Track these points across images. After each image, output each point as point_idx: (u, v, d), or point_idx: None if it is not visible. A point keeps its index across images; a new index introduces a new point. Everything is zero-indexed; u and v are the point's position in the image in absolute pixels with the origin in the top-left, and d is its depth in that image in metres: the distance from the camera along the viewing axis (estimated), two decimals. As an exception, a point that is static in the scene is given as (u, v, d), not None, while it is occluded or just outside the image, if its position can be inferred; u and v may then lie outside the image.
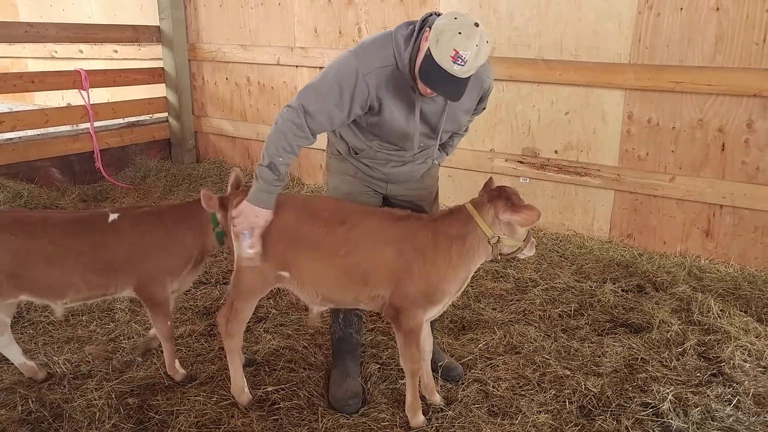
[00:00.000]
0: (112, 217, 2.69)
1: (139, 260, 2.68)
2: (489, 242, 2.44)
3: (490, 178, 2.63)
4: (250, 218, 2.39)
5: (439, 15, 2.30)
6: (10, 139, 5.57)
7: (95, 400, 2.69)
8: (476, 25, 2.15)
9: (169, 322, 2.79)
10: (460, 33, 2.12)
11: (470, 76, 2.23)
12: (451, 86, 2.23)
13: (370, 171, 2.72)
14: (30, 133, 5.79)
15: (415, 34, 2.32)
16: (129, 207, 3.90)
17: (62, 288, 2.62)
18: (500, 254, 2.51)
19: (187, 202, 2.94)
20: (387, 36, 2.39)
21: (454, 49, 2.13)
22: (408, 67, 2.33)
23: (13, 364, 2.92)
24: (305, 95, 2.38)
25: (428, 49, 2.19)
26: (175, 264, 2.74)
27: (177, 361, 2.90)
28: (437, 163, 2.84)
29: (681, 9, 4.10)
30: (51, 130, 5.91)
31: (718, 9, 3.99)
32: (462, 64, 2.15)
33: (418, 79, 2.28)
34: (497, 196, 2.46)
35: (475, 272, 2.66)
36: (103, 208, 3.29)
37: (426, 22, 2.32)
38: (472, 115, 2.73)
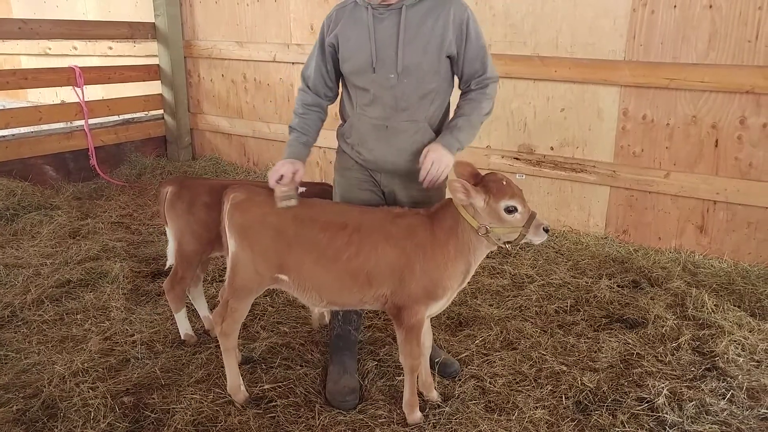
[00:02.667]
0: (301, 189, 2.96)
1: None
2: (478, 233, 2.40)
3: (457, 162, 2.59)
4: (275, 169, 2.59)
5: None
6: (4, 136, 5.54)
7: (90, 399, 2.68)
8: None
9: None
10: None
11: None
12: None
13: (362, 159, 2.69)
14: (24, 130, 5.75)
15: None
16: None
17: None
18: (507, 243, 2.42)
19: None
20: None
21: None
22: None
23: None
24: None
25: None
26: None
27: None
28: None
29: (675, 6, 4.12)
30: (45, 127, 5.87)
31: (711, 7, 4.00)
32: None
33: None
34: (478, 185, 2.39)
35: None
36: None
37: None
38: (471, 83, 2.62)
